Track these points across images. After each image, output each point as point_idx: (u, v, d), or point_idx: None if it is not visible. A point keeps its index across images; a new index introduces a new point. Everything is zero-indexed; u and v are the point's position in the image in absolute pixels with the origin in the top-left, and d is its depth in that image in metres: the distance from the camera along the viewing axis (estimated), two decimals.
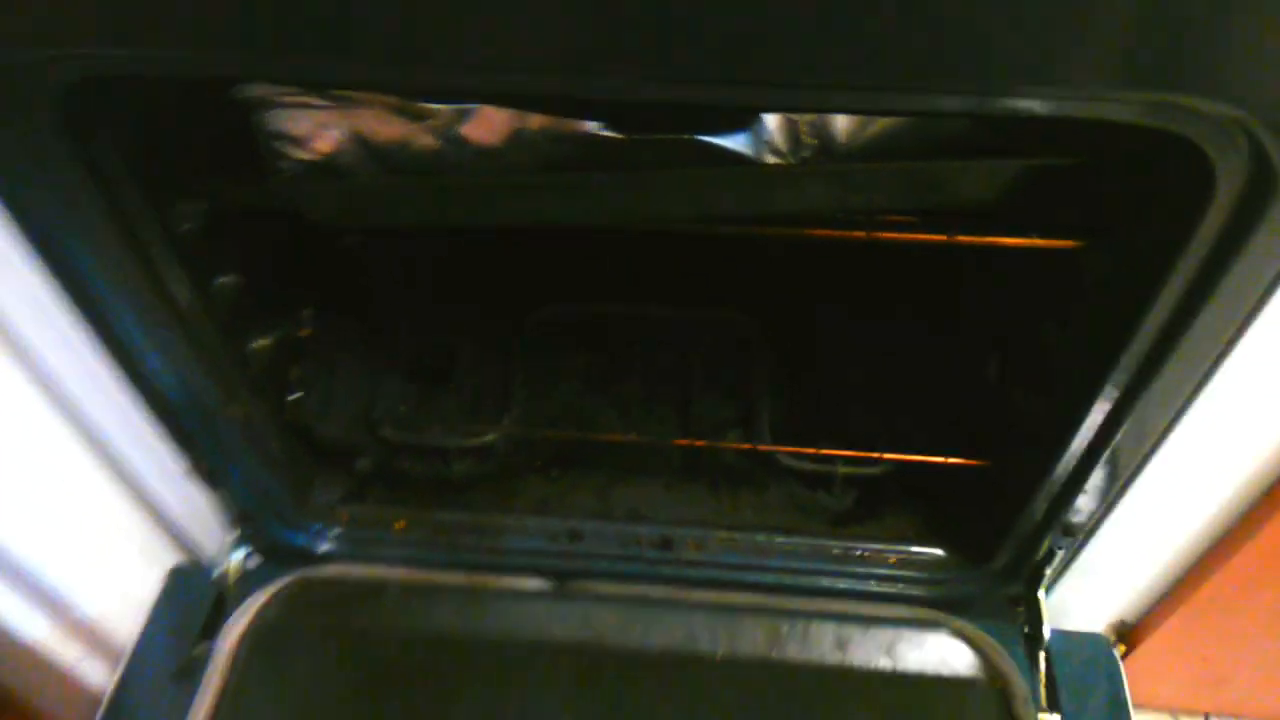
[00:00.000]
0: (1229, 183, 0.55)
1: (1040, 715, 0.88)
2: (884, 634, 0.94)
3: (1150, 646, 1.13)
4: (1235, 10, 0.44)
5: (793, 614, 0.96)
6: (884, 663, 0.92)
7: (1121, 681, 0.96)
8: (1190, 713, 1.36)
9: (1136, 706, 0.97)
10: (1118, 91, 0.51)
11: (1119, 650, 1.16)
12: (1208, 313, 0.63)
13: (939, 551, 0.99)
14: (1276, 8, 0.44)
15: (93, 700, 0.97)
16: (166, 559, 1.05)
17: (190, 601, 1.00)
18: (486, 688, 0.89)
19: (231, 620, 0.96)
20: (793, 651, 0.92)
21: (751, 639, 0.93)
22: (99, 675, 0.98)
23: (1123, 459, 0.78)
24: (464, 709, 0.88)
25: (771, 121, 0.68)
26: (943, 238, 0.75)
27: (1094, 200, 0.70)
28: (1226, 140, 0.53)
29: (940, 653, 0.93)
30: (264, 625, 0.96)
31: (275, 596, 0.98)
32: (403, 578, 0.99)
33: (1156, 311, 0.65)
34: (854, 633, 0.94)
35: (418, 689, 0.90)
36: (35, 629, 0.90)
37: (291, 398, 0.99)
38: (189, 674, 0.92)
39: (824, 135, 0.69)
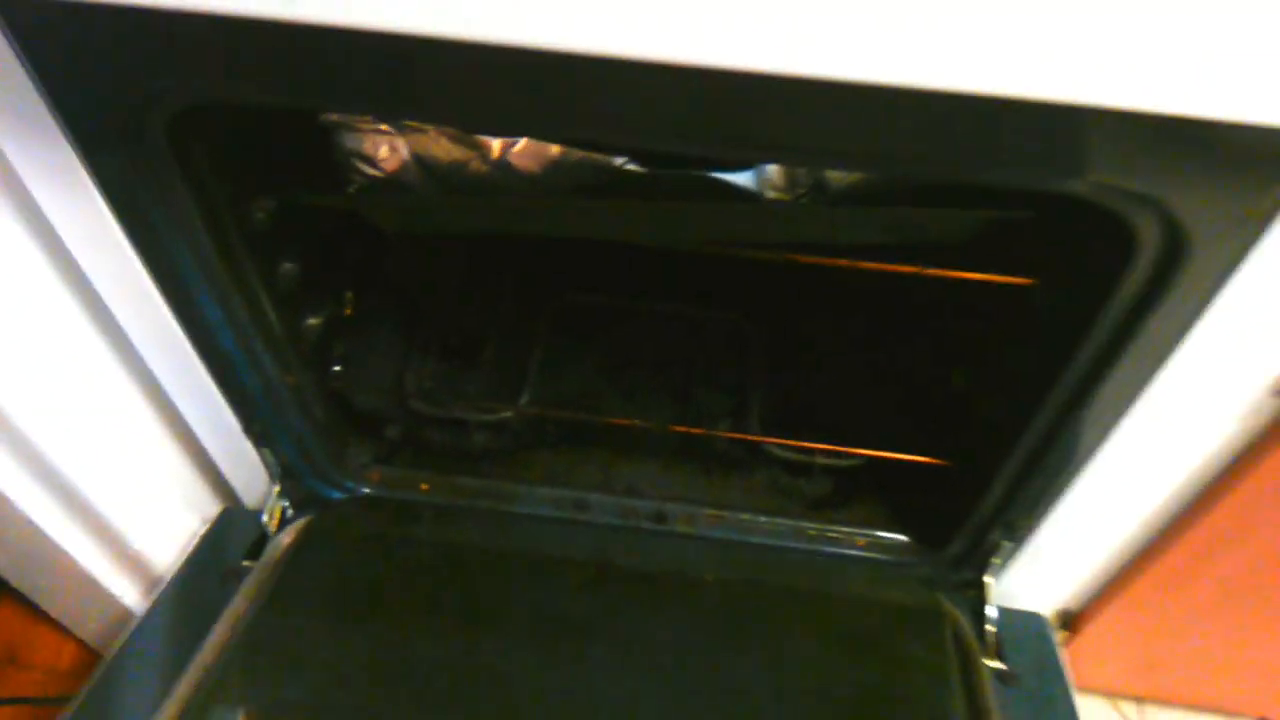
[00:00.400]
0: (1147, 247, 0.66)
1: (986, 660, 0.96)
2: (857, 572, 1.04)
3: (1091, 633, 1.19)
4: (1149, 121, 0.55)
5: (777, 550, 1.06)
6: (856, 592, 1.00)
7: (1055, 650, 1.05)
8: (1126, 697, 1.42)
9: (1078, 689, 1.03)
10: (1058, 175, 0.62)
11: (1061, 636, 1.27)
12: (1134, 348, 0.73)
13: (902, 537, 1.06)
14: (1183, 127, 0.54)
15: (127, 620, 1.06)
16: (211, 508, 1.15)
17: (235, 537, 1.09)
18: (505, 585, 0.97)
19: (278, 538, 1.03)
20: (776, 579, 1.00)
21: (739, 567, 1.02)
22: (134, 599, 1.07)
23: (1061, 466, 0.87)
24: (484, 599, 0.96)
25: (772, 164, 0.78)
26: (915, 269, 0.84)
27: (1043, 248, 0.80)
28: (1144, 215, 0.63)
29: (904, 593, 1.01)
30: (308, 534, 1.03)
31: (320, 515, 1.06)
32: (437, 501, 1.09)
33: (1089, 345, 0.75)
34: (832, 569, 1.04)
35: (445, 582, 0.98)
36: (87, 557, 1.00)
37: (334, 370, 1.07)
38: (234, 578, 1.00)
39: (817, 176, 0.80)
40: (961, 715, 0.86)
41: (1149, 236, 0.65)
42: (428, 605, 0.96)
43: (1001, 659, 0.98)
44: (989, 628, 1.00)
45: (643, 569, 1.01)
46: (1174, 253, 0.65)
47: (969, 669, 0.91)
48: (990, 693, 0.90)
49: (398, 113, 0.73)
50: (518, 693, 0.86)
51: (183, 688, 0.84)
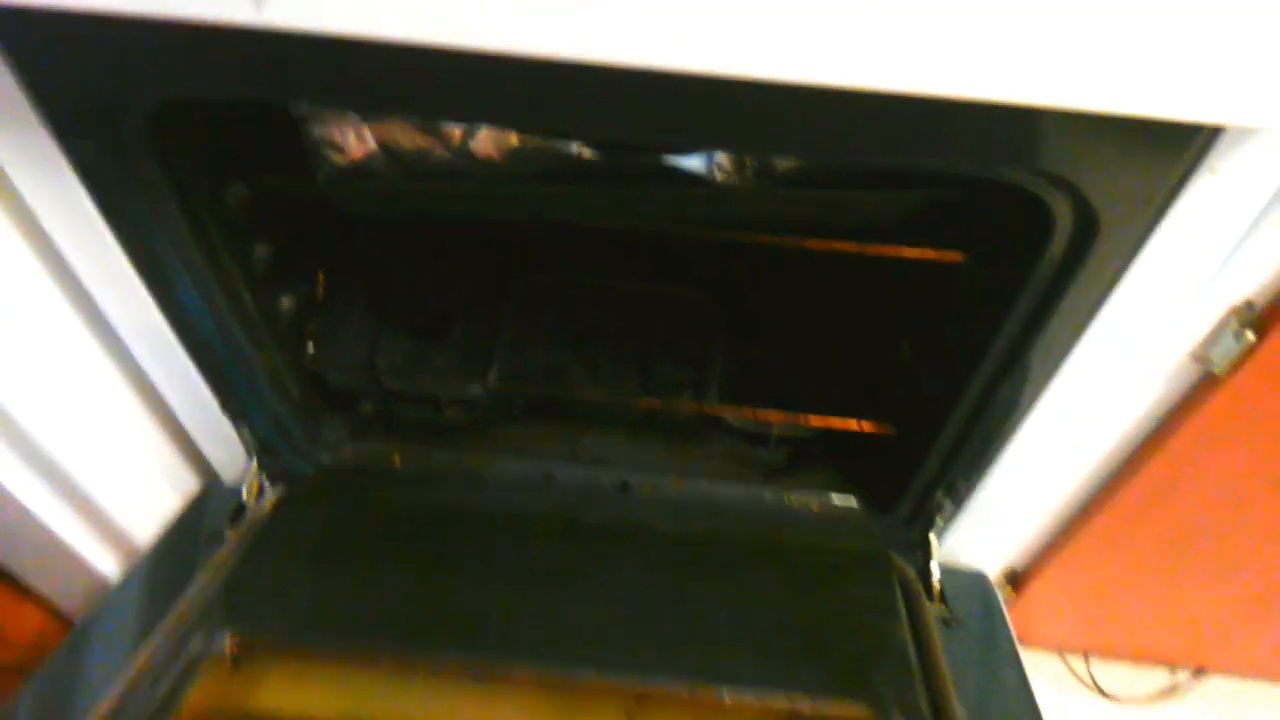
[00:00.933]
0: (1062, 225, 0.71)
1: (931, 605, 1.02)
2: (810, 523, 1.09)
3: (1034, 591, 1.26)
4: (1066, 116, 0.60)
5: (732, 508, 1.11)
6: (809, 542, 1.05)
7: (997, 600, 1.10)
8: (1074, 652, 1.49)
9: (1026, 644, 1.08)
10: (986, 162, 0.67)
11: (1008, 593, 1.33)
12: (1056, 317, 0.79)
13: (853, 501, 1.11)
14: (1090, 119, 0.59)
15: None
16: (191, 485, 1.18)
17: (214, 510, 1.13)
18: (479, 536, 1.02)
19: (258, 502, 1.08)
20: (732, 530, 1.06)
21: (697, 523, 1.07)
22: (117, 573, 1.09)
23: (996, 429, 0.92)
24: (457, 548, 1.00)
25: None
26: (855, 247, 0.89)
27: (972, 227, 0.85)
28: (1059, 197, 0.69)
29: (854, 543, 1.06)
30: (288, 497, 1.07)
31: (300, 481, 1.10)
32: (411, 469, 1.13)
33: (1015, 315, 0.81)
34: (785, 520, 1.09)
35: (419, 534, 1.02)
36: (72, 533, 1.03)
37: (308, 349, 1.10)
38: (216, 540, 1.04)
39: (764, 160, 0.85)
40: (907, 643, 0.91)
41: (1064, 216, 0.71)
42: (403, 552, 1.00)
43: (945, 606, 1.04)
44: (934, 580, 1.06)
45: (607, 524, 1.07)
46: (1086, 230, 0.72)
47: (914, 609, 0.97)
48: (934, 625, 0.95)
49: (361, 108, 0.76)
50: (489, 619, 0.91)
51: (168, 620, 0.88)
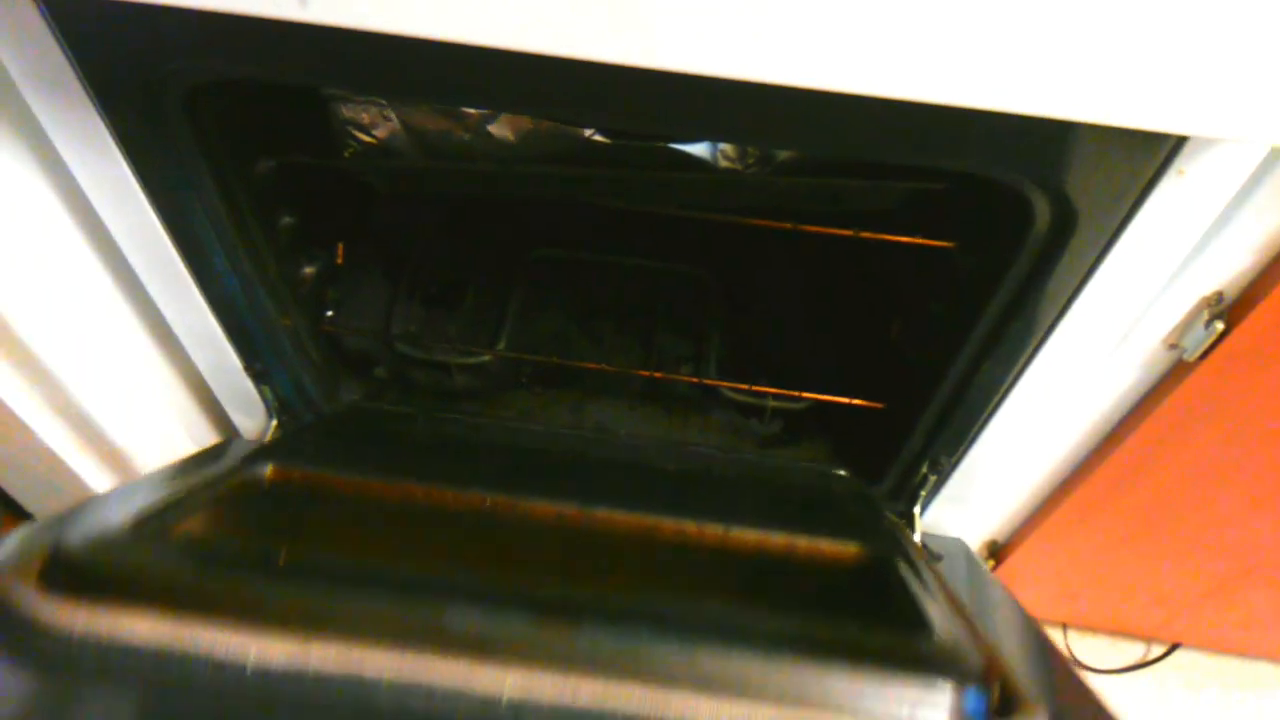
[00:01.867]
0: (1041, 217, 0.76)
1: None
2: (804, 472, 1.15)
3: (1014, 563, 1.31)
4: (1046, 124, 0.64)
5: (731, 459, 1.16)
6: (803, 482, 1.12)
7: (974, 553, 1.14)
8: (1052, 624, 1.55)
9: None
10: (974, 161, 0.72)
11: (990, 563, 1.39)
12: (1036, 302, 0.83)
13: (843, 472, 1.16)
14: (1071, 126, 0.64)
15: None
16: (213, 441, 1.24)
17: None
18: (494, 461, 1.06)
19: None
20: (730, 471, 1.12)
21: (697, 462, 1.13)
22: None
23: (977, 406, 0.96)
24: (474, 457, 1.06)
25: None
26: (849, 232, 0.94)
27: (960, 216, 0.90)
28: (1038, 191, 0.74)
29: (845, 487, 1.12)
30: (311, 424, 1.12)
31: (322, 415, 1.14)
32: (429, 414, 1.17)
33: (998, 299, 0.85)
34: (782, 465, 1.15)
35: (438, 447, 1.08)
36: (101, 484, 1.09)
37: (327, 314, 1.15)
38: None
39: (764, 147, 0.89)
40: (897, 529, 0.97)
41: (1043, 210, 0.76)
42: (422, 452, 1.05)
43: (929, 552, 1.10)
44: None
45: (614, 459, 1.13)
46: (1065, 223, 0.76)
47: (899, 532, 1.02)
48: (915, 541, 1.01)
49: (389, 93, 0.81)
50: (508, 482, 0.95)
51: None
